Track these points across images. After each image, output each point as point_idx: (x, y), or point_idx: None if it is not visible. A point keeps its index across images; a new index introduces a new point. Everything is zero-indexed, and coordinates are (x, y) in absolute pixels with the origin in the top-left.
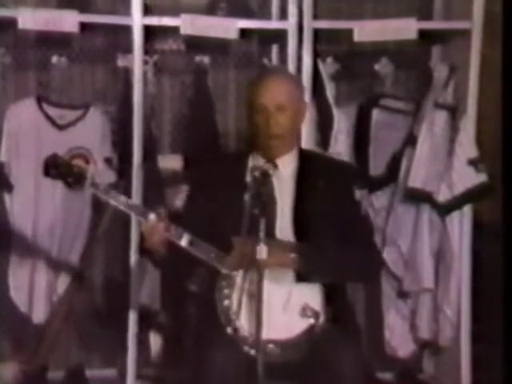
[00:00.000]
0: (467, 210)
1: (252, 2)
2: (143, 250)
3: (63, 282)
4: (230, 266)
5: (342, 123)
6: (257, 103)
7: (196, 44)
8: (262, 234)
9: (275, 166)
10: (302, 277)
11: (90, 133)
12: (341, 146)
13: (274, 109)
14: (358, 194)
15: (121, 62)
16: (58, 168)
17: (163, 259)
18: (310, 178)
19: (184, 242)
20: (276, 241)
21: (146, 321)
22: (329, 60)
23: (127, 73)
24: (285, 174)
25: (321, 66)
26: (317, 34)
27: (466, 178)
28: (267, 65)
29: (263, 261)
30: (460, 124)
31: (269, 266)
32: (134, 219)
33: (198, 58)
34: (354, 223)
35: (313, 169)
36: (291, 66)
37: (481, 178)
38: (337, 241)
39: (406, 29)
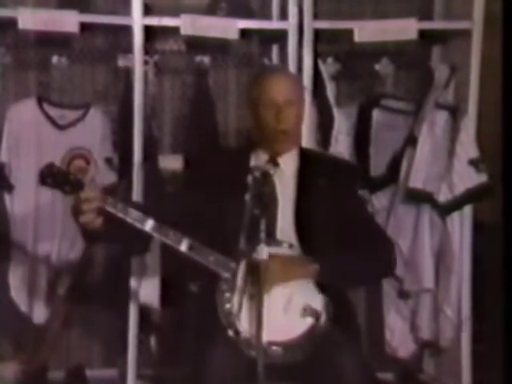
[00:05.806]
0: (468, 210)
1: (252, 2)
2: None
3: (63, 282)
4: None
5: (343, 123)
6: (265, 98)
7: (196, 44)
8: (262, 235)
9: (276, 165)
10: (324, 287)
11: (90, 133)
12: (341, 147)
13: (283, 103)
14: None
15: (121, 62)
16: (54, 177)
17: (102, 234)
18: (312, 177)
19: (184, 246)
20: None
21: (147, 321)
22: (329, 60)
23: (128, 73)
24: (287, 173)
25: (321, 66)
26: (317, 34)
27: (467, 178)
28: (268, 64)
29: (282, 273)
30: (461, 124)
31: (294, 279)
32: None
33: (198, 58)
34: (361, 221)
35: (314, 168)
36: (292, 66)
37: (481, 178)
38: (343, 241)
39: (406, 29)
